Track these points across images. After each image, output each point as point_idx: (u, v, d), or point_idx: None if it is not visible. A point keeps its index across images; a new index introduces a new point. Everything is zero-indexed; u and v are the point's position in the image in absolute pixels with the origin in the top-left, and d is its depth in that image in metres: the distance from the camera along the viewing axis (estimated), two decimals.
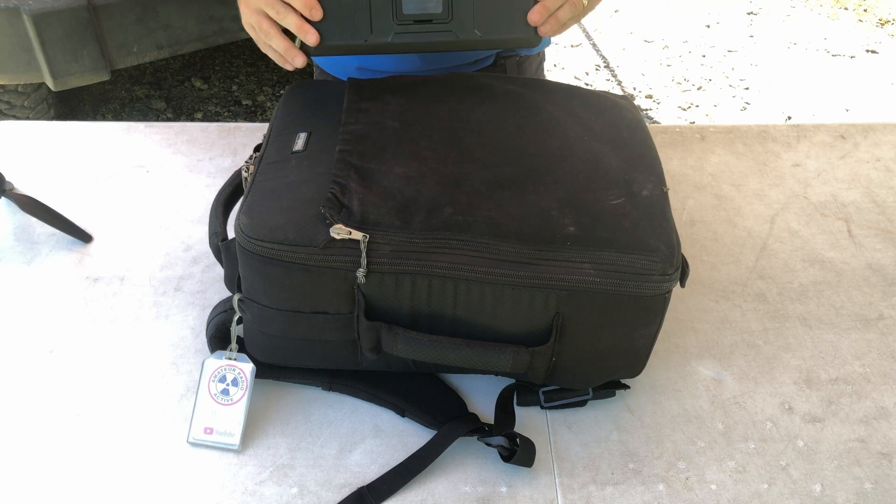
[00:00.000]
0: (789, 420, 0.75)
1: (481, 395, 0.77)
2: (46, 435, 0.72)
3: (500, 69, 1.08)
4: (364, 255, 0.63)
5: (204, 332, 0.81)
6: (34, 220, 0.95)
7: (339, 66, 1.08)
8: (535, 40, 0.78)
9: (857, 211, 1.02)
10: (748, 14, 3.72)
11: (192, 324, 0.83)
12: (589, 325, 0.67)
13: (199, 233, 0.96)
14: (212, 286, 0.88)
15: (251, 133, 1.14)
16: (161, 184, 1.04)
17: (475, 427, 0.71)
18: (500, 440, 0.69)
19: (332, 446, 0.72)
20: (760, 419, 0.75)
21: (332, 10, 0.75)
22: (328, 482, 0.69)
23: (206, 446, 0.71)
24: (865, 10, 3.75)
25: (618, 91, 3.05)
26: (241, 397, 0.72)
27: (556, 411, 0.75)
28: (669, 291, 0.67)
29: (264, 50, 0.82)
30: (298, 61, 0.78)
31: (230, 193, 0.82)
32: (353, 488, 0.68)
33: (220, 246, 0.75)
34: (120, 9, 2.14)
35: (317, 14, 0.75)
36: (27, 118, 2.52)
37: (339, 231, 0.63)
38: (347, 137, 0.73)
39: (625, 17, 3.65)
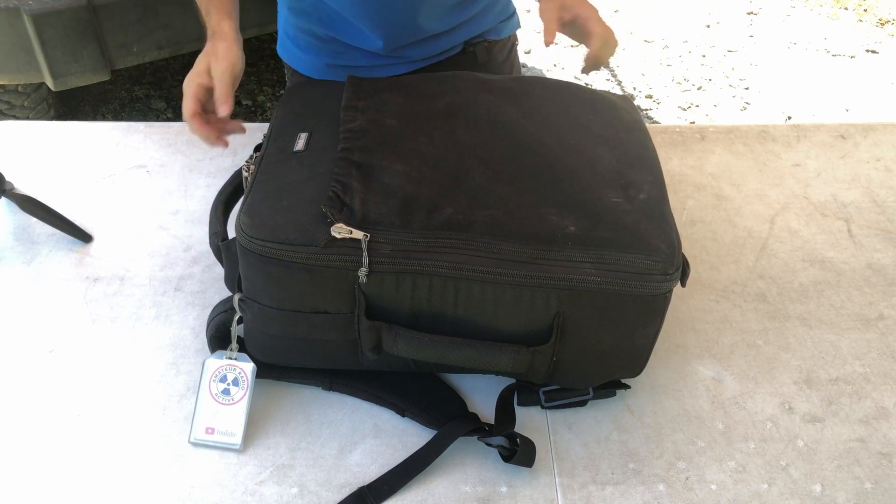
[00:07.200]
0: (789, 420, 0.75)
1: (481, 395, 0.77)
2: (46, 435, 0.72)
3: (469, 56, 1.07)
4: (365, 254, 0.63)
5: (204, 332, 0.81)
6: (34, 220, 0.95)
7: (308, 65, 1.09)
8: None
9: (857, 211, 1.02)
10: (748, 14, 3.72)
11: (192, 324, 0.83)
12: (590, 325, 0.67)
13: (199, 233, 0.96)
14: (212, 286, 0.88)
15: (251, 133, 1.14)
16: (161, 184, 1.04)
17: (475, 427, 0.71)
18: (500, 440, 0.69)
19: (332, 446, 0.72)
20: (760, 419, 0.75)
21: None
22: (328, 482, 0.69)
23: (208, 446, 0.71)
24: (865, 10, 3.75)
25: (618, 91, 3.05)
26: (242, 397, 0.72)
27: (557, 411, 0.75)
28: (670, 291, 0.67)
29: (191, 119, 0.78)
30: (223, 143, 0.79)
31: (230, 193, 0.82)
32: (353, 488, 0.68)
33: (221, 246, 0.75)
34: (120, 9, 2.14)
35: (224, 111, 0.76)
36: (27, 118, 2.51)
37: (340, 230, 0.63)
38: (348, 136, 0.73)
39: (625, 17, 3.64)
